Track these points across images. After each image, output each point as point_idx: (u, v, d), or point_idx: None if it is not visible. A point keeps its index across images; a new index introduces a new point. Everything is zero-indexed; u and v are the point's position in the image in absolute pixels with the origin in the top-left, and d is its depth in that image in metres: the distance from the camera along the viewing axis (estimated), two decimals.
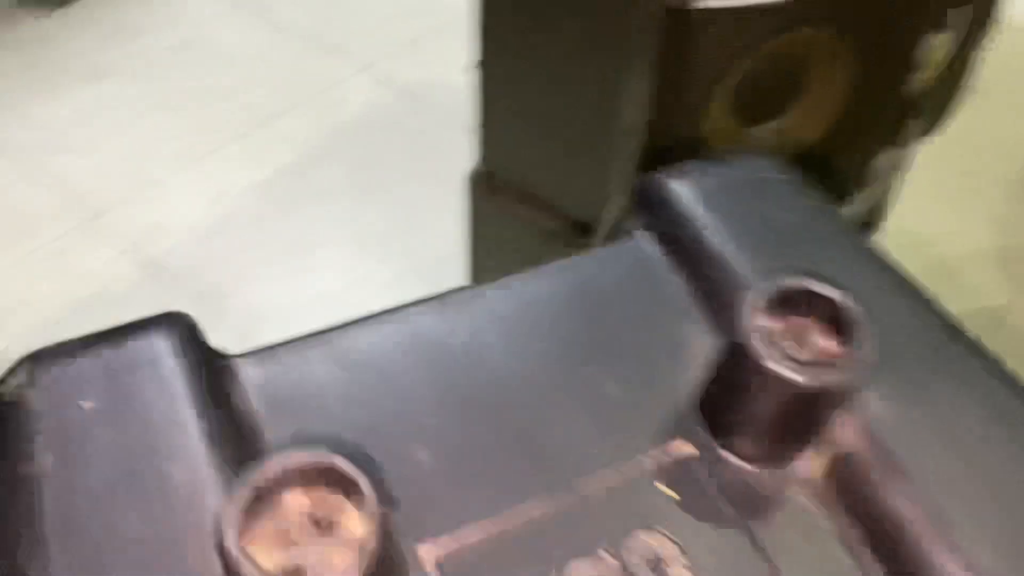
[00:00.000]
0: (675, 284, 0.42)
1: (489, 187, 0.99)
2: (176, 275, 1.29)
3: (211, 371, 0.36)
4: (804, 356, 0.33)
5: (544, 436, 0.36)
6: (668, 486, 0.35)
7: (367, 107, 1.58)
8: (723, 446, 0.36)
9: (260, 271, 1.30)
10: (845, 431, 0.35)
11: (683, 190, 0.44)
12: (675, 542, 0.33)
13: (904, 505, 0.33)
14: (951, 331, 0.39)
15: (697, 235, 0.42)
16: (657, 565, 0.32)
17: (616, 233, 0.45)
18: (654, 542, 0.33)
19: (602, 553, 0.33)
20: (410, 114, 1.57)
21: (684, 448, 0.36)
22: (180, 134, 1.51)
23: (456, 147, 1.08)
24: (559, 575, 0.32)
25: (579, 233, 0.91)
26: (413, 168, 1.44)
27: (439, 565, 0.32)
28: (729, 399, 0.35)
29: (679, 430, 0.36)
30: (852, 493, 0.34)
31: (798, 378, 0.32)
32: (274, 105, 1.57)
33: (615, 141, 0.79)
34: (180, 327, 0.37)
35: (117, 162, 1.46)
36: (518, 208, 0.96)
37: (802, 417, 0.34)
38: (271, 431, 0.35)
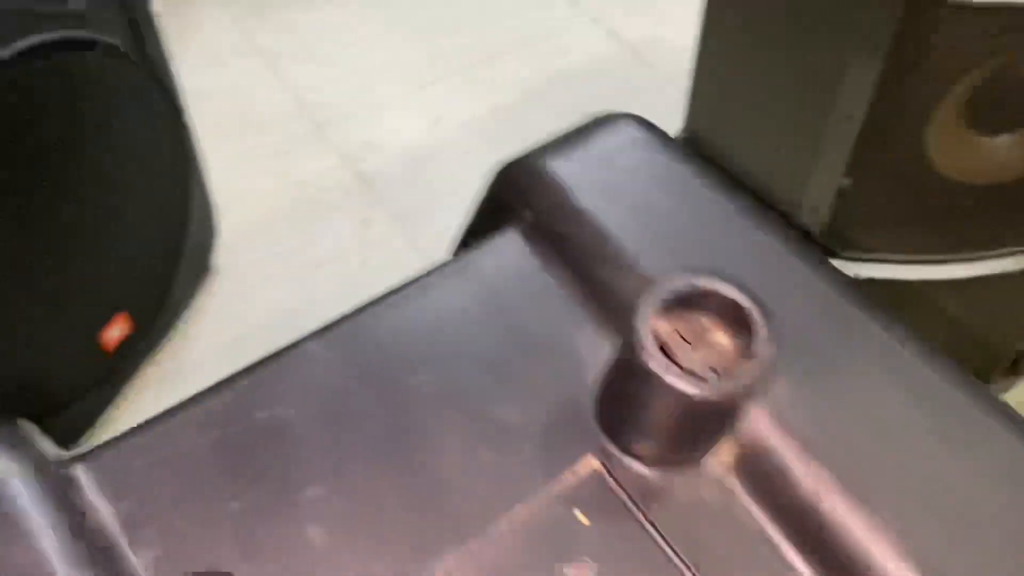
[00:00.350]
0: (559, 284, 0.37)
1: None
2: (382, 192, 1.36)
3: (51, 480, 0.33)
4: (700, 358, 0.30)
5: (449, 481, 0.32)
6: (581, 505, 0.32)
7: (590, 57, 1.59)
8: (626, 453, 0.33)
9: (459, 201, 1.34)
10: (751, 422, 0.32)
11: (558, 174, 0.39)
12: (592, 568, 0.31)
13: (817, 490, 0.30)
14: (856, 299, 0.35)
15: (581, 227, 0.37)
16: None
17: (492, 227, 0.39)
18: (575, 572, 0.31)
19: None
20: (630, 70, 1.56)
21: (591, 464, 0.33)
22: (410, 60, 1.58)
23: (669, 109, 1.07)
24: None
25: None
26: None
27: None
28: (625, 409, 0.32)
29: (583, 445, 0.33)
30: (763, 483, 0.32)
31: (692, 391, 0.29)
32: (501, 44, 1.61)
33: (829, 128, 0.76)
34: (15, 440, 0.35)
35: (348, 78, 1.54)
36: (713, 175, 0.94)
37: (701, 422, 0.32)
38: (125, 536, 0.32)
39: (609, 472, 0.33)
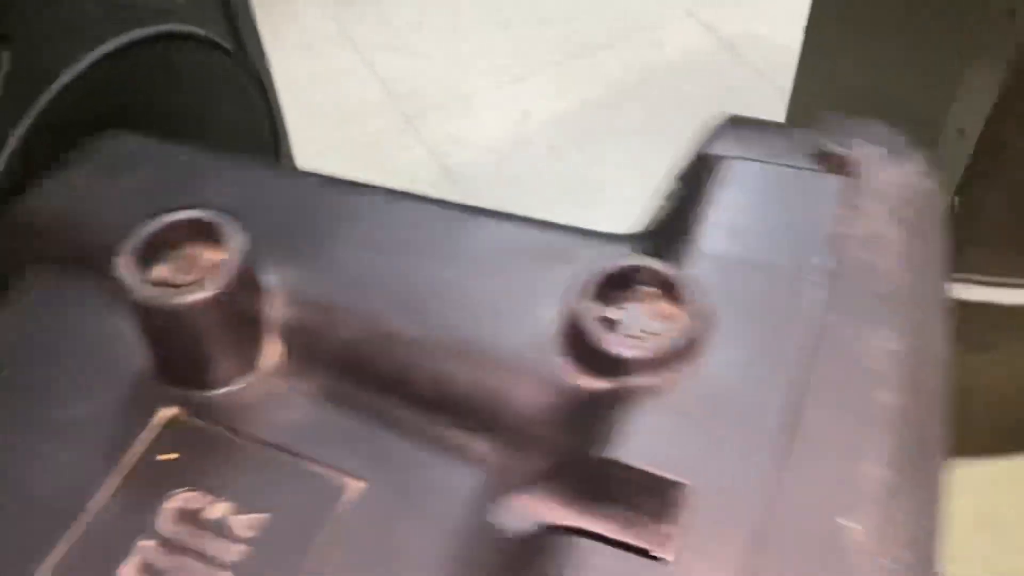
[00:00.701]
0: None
1: None
2: (466, 187, 1.36)
3: None
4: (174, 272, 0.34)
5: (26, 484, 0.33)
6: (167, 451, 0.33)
7: (684, 52, 1.55)
8: (175, 384, 0.35)
9: (545, 198, 1.33)
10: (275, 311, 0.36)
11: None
12: (196, 490, 0.32)
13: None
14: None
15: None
16: (194, 516, 0.31)
17: None
18: (178, 503, 0.32)
19: (142, 544, 0.31)
20: (726, 66, 1.52)
21: (167, 413, 0.34)
22: (501, 52, 1.57)
23: (765, 108, 1.03)
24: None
25: None
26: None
27: None
28: (154, 347, 0.35)
29: (155, 400, 0.35)
30: (312, 359, 0.35)
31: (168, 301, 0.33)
32: (594, 38, 1.58)
33: (940, 143, 0.72)
34: None
35: (438, 70, 1.54)
36: None
37: (214, 332, 0.34)
38: None
39: (186, 412, 0.34)
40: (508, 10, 1.64)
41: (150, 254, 0.34)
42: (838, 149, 0.37)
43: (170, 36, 0.82)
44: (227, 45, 0.92)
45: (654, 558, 0.26)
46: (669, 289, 0.32)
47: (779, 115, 1.01)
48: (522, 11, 1.63)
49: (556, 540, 0.28)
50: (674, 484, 0.27)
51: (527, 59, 1.55)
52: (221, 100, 0.94)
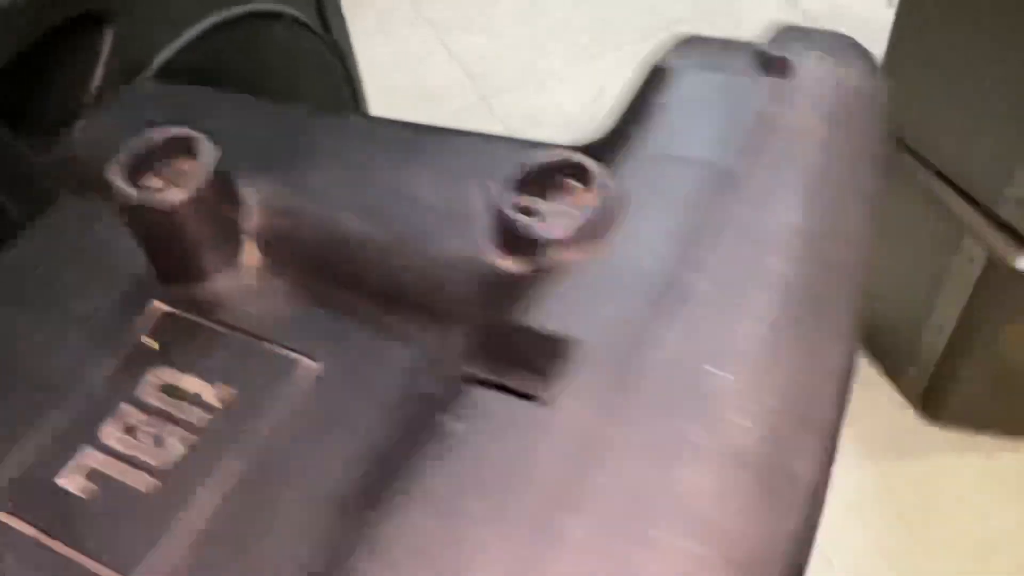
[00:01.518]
0: None
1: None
2: None
3: None
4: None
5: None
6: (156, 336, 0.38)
7: (765, 28, 1.53)
8: (165, 281, 0.39)
9: None
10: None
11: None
12: (175, 368, 0.37)
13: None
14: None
15: None
16: (172, 389, 0.36)
17: None
18: (159, 378, 0.36)
19: (125, 408, 0.36)
20: None
21: (159, 306, 0.39)
22: (577, 29, 1.59)
23: None
24: (94, 445, 0.35)
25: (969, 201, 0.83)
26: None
27: None
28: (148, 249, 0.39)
29: (148, 295, 0.39)
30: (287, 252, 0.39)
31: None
32: (672, 13, 1.58)
33: None
34: None
35: (514, 49, 1.58)
36: (903, 158, 0.89)
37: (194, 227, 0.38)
38: None
39: (173, 303, 0.39)
40: None
41: (142, 166, 0.39)
42: (778, 54, 0.39)
43: (260, 15, 0.88)
44: (314, 25, 0.97)
45: (534, 399, 0.29)
46: (587, 181, 0.35)
47: None
48: None
49: (462, 390, 0.31)
50: (564, 340, 0.30)
51: (603, 36, 1.57)
52: (307, 78, 1.00)
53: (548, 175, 0.35)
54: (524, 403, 0.29)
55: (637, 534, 0.26)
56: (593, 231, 0.33)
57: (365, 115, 0.46)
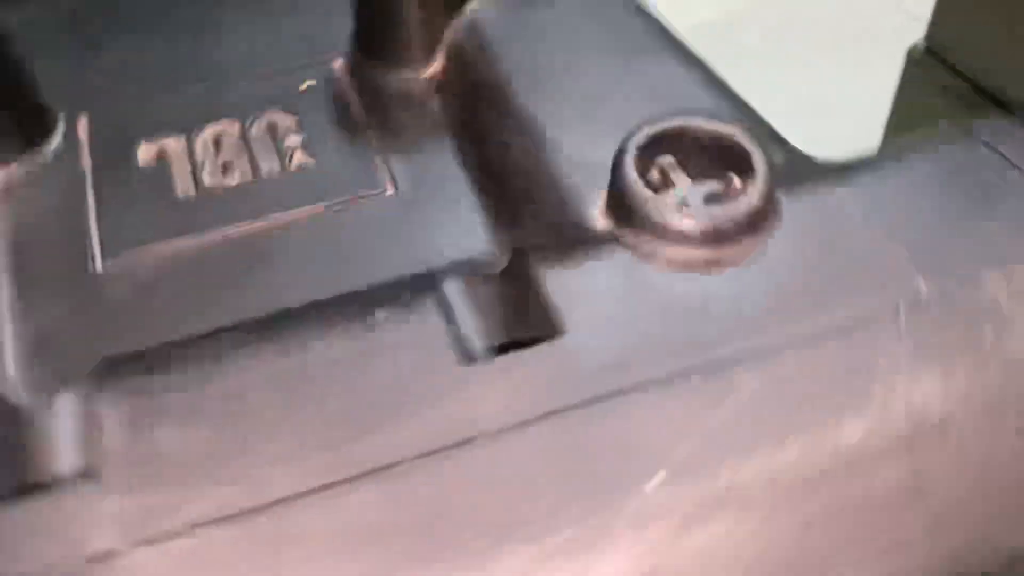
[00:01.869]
0: None
1: (927, 68, 0.75)
2: None
3: None
4: None
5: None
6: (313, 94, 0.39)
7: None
8: (370, 59, 0.40)
9: None
10: (457, 32, 0.38)
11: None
12: (296, 118, 0.38)
13: (503, 88, 0.34)
14: None
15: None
16: (274, 133, 0.37)
17: None
18: (276, 117, 0.38)
19: (227, 123, 0.38)
20: None
21: (338, 63, 0.40)
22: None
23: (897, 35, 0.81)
24: (194, 136, 0.37)
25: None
26: (843, 36, 1.16)
27: None
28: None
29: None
30: (459, 83, 0.37)
31: None
32: None
33: None
34: None
35: None
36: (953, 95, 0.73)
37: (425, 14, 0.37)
38: None
39: (351, 73, 0.40)
40: None
41: None
42: None
43: None
44: None
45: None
46: (747, 171, 0.29)
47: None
48: None
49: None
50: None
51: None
52: None
53: (702, 147, 0.29)
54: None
55: None
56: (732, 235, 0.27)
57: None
